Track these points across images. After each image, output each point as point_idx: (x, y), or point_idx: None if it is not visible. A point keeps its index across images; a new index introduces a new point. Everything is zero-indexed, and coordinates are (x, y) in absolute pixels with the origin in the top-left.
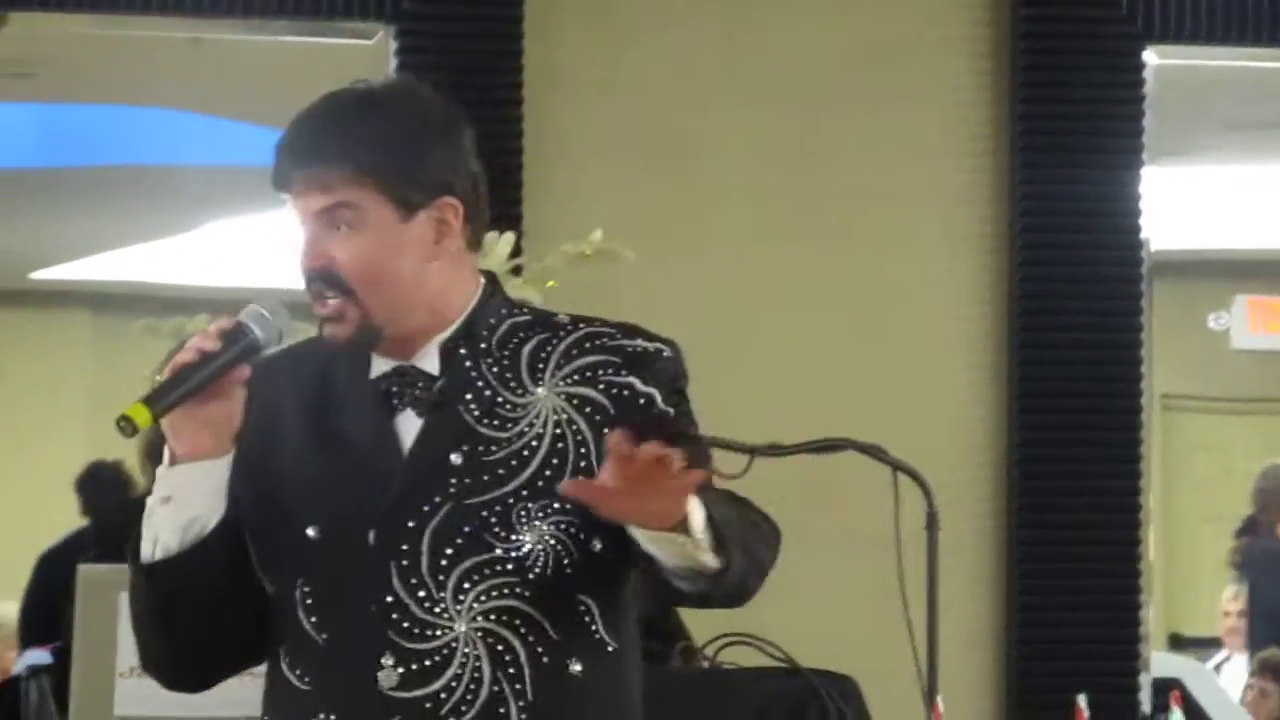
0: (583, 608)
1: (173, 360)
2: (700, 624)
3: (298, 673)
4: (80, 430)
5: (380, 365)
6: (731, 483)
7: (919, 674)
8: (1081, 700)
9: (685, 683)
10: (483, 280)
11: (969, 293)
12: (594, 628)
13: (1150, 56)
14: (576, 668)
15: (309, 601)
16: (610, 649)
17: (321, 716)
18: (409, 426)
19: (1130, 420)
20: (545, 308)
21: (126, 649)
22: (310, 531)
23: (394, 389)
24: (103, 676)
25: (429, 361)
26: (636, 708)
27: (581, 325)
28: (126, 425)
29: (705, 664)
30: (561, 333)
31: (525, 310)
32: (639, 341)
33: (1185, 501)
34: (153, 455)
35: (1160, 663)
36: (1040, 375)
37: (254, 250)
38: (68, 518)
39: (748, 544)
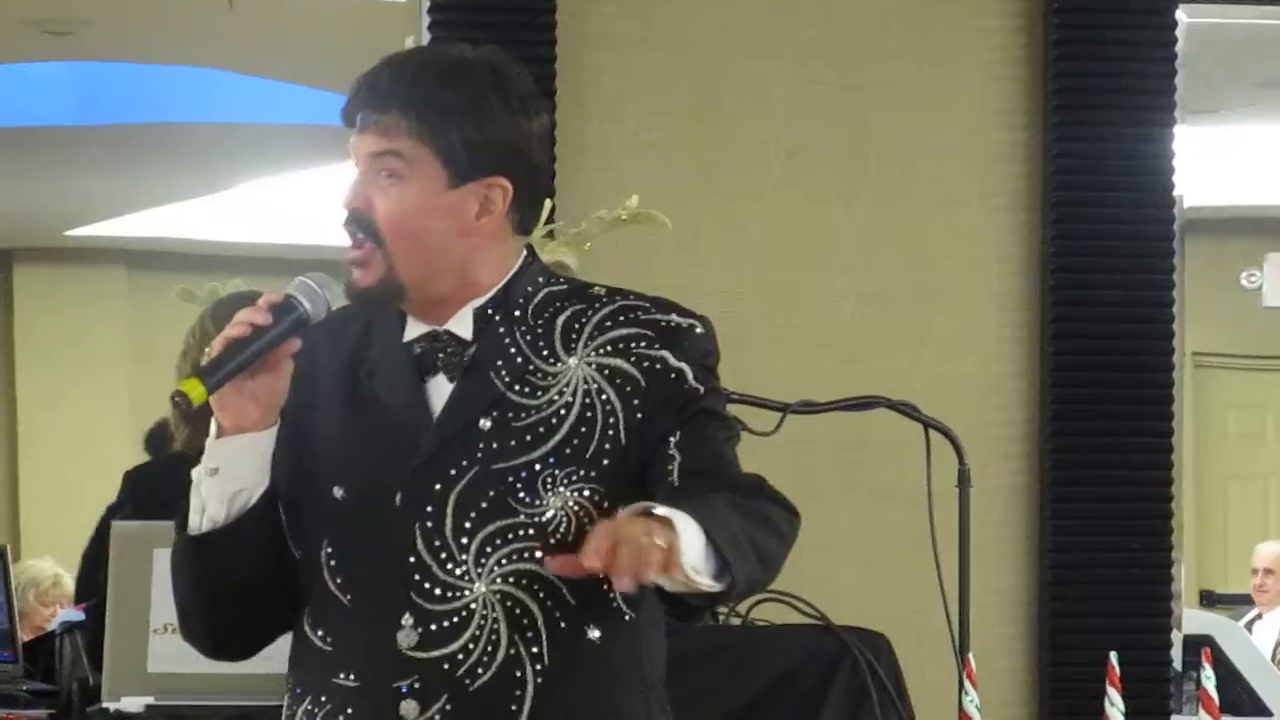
0: (601, 576)
1: (223, 334)
2: None
3: (320, 633)
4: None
5: (414, 329)
6: (765, 440)
7: (951, 631)
8: (1113, 658)
9: (718, 639)
10: (524, 252)
11: (1001, 250)
12: (611, 595)
13: (1182, 15)
14: (594, 634)
15: (333, 562)
16: (627, 618)
17: (342, 676)
18: (441, 391)
19: (1162, 378)
20: (582, 278)
21: (160, 606)
22: (337, 492)
23: (426, 353)
24: (136, 633)
25: (462, 326)
26: (656, 679)
27: (617, 298)
28: (182, 400)
29: (738, 621)
30: (596, 304)
31: (562, 280)
32: (673, 316)
33: (1217, 459)
34: (189, 416)
35: (1191, 620)
36: (1072, 333)
37: (289, 208)
38: (102, 475)
39: (757, 548)
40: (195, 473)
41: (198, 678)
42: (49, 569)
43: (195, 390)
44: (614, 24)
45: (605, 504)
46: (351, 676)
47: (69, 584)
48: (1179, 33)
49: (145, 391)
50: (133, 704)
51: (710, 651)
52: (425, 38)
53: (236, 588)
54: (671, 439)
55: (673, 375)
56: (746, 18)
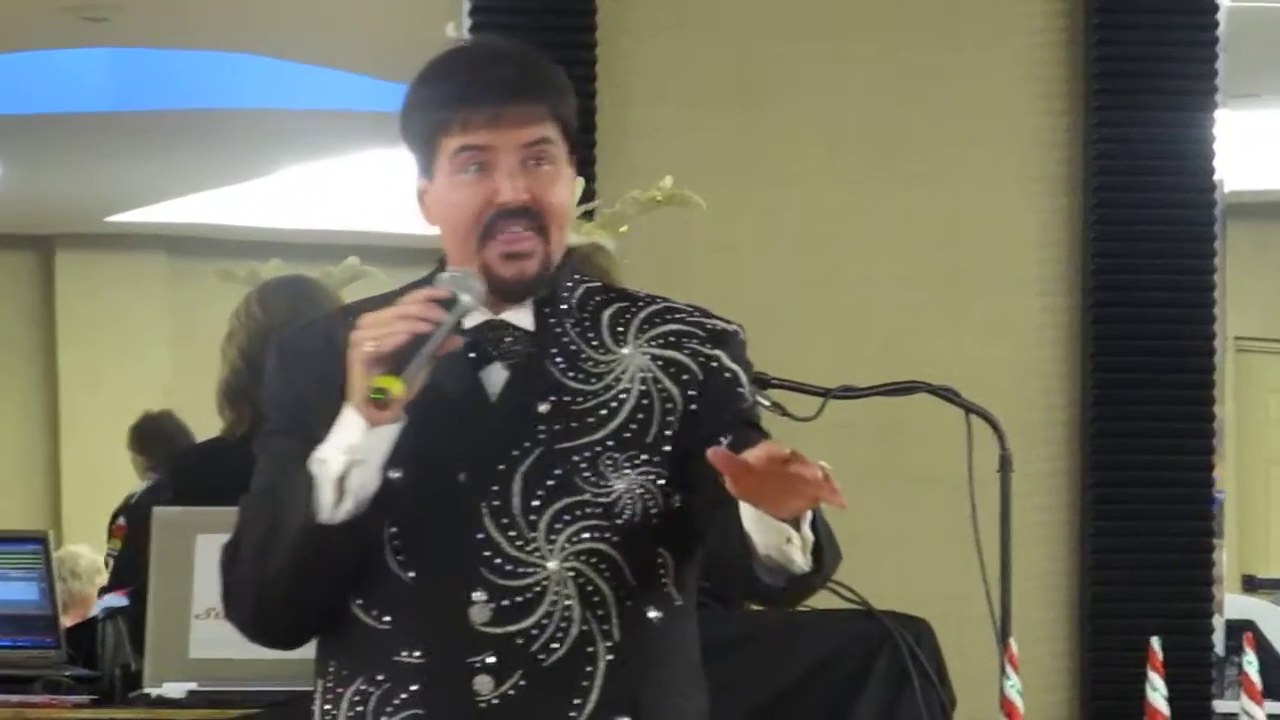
0: (659, 559)
1: (404, 327)
2: None
3: (374, 613)
4: (156, 371)
5: (472, 317)
6: (805, 425)
7: (992, 616)
8: (1155, 643)
9: (759, 625)
10: None
11: (1042, 235)
12: (664, 580)
13: None
14: (653, 614)
15: (396, 541)
16: (677, 603)
17: (404, 654)
18: (495, 379)
19: (1203, 362)
20: (621, 262)
21: (201, 591)
22: (393, 474)
23: (481, 341)
24: (178, 619)
25: (523, 317)
26: (699, 664)
27: (658, 299)
28: (384, 397)
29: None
30: (640, 302)
31: (592, 279)
32: (715, 320)
33: (1258, 443)
34: (231, 398)
35: (1233, 604)
36: (1114, 318)
37: (328, 193)
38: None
39: (835, 546)
40: (322, 463)
41: (239, 663)
42: (89, 554)
43: (395, 386)
44: (653, 9)
45: (667, 488)
46: (417, 654)
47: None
48: (1220, 16)
49: (185, 375)
50: (174, 689)
51: (751, 636)
52: (466, 23)
53: (333, 577)
54: (723, 441)
55: (727, 375)
56: (784, 2)
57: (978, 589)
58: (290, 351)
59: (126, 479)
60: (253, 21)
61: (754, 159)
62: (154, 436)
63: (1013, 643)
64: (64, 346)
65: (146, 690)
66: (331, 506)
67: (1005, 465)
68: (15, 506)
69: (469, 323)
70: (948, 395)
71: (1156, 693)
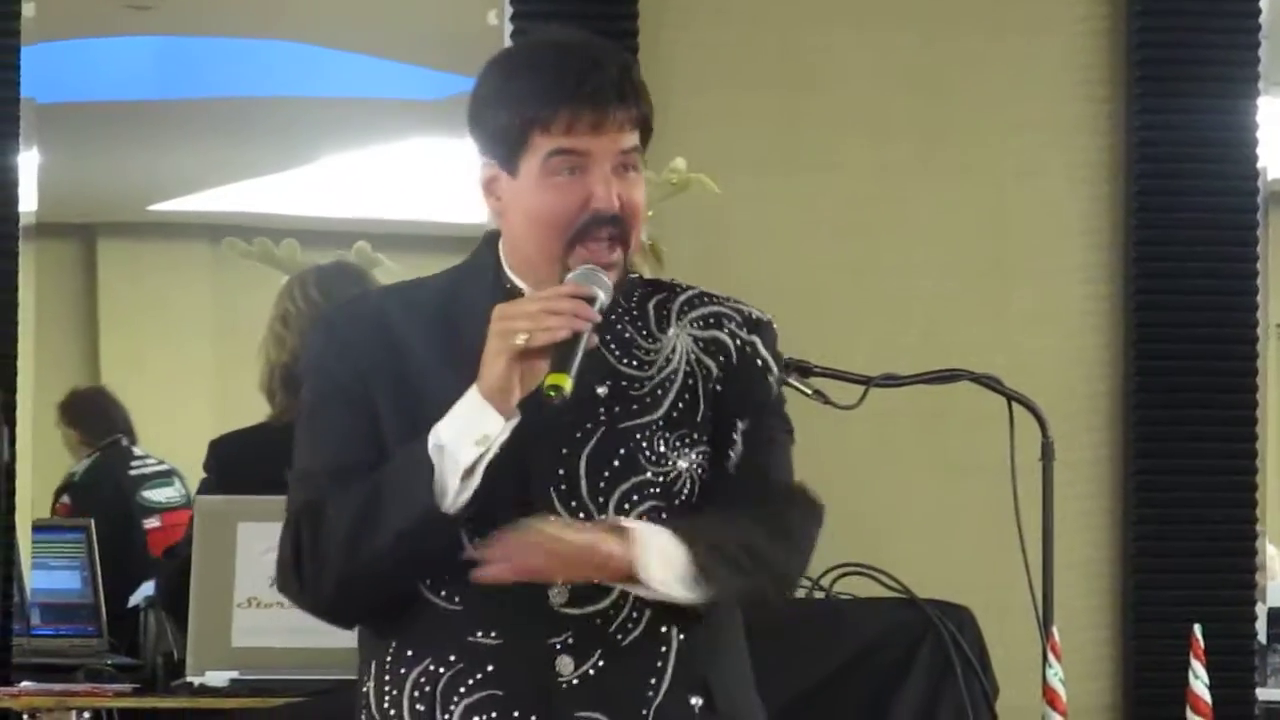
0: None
1: (565, 324)
2: (816, 555)
3: (444, 594)
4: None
5: None
6: (848, 414)
7: (1034, 604)
8: (1197, 630)
9: (802, 612)
10: None
11: (1084, 223)
12: None
13: None
14: None
15: (470, 524)
16: None
17: (479, 634)
18: None
19: (1246, 350)
20: (661, 249)
21: (244, 580)
22: None
23: None
24: (220, 608)
25: None
26: (744, 643)
27: (694, 287)
28: (558, 394)
29: (821, 594)
30: (677, 289)
31: (631, 271)
32: (750, 309)
33: None
34: (288, 383)
35: (1276, 592)
36: (1156, 305)
37: (372, 182)
38: (189, 452)
39: (758, 557)
40: (447, 452)
41: (281, 652)
42: None
43: (565, 382)
44: None
45: (714, 465)
46: (493, 634)
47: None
48: (1262, 3)
49: (229, 366)
50: (217, 678)
51: (794, 624)
52: (507, 11)
53: (437, 563)
54: (740, 424)
55: (759, 362)
56: None
57: (1020, 577)
58: (343, 329)
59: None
60: (296, 10)
61: (796, 147)
62: (86, 411)
63: (1055, 631)
64: (106, 334)
65: (189, 679)
66: (455, 494)
67: (1047, 453)
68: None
69: None
70: (990, 383)
71: (1199, 680)
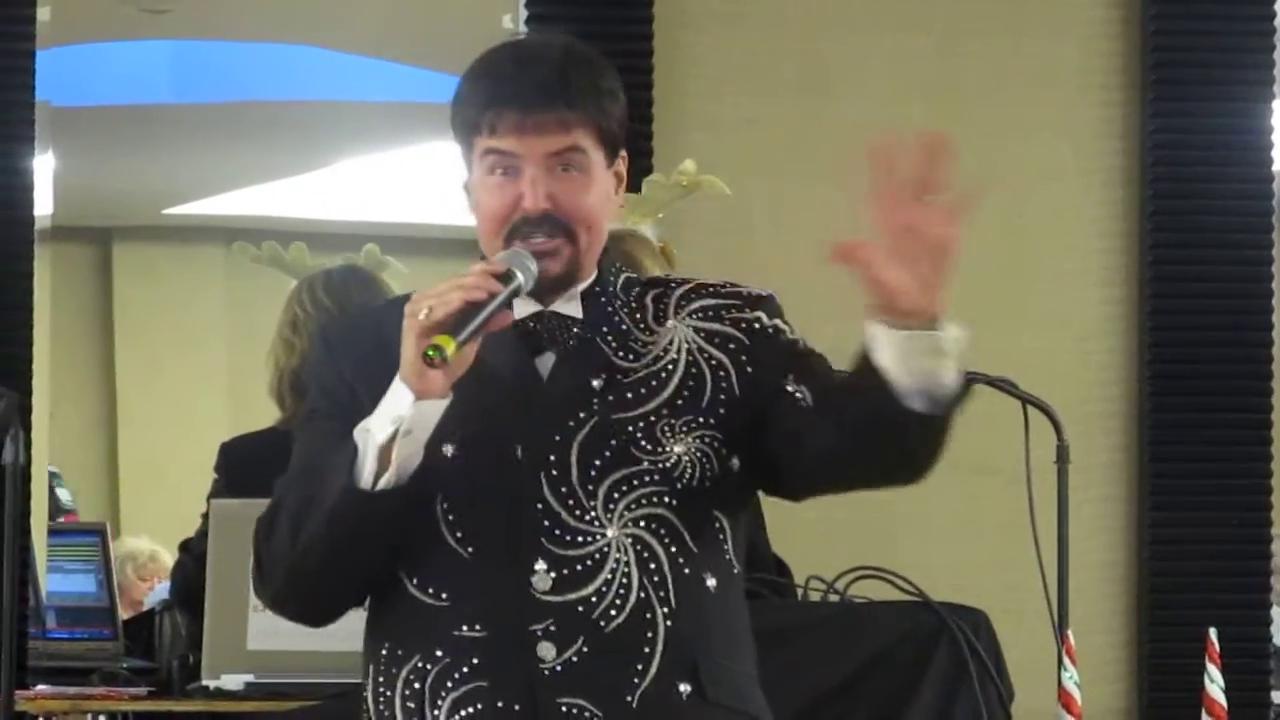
0: (717, 524)
1: (461, 295)
2: (830, 557)
3: (430, 590)
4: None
5: (522, 308)
6: None
7: (1049, 607)
8: (1213, 633)
9: (816, 615)
10: None
11: (1099, 226)
12: (725, 546)
13: None
14: (711, 582)
15: (451, 516)
16: (735, 570)
17: (464, 629)
18: (548, 362)
19: (1261, 353)
20: (677, 253)
21: None
22: (447, 449)
23: (534, 331)
24: (236, 611)
25: (572, 307)
26: (749, 630)
27: (691, 279)
28: (436, 355)
29: (836, 597)
30: (673, 284)
31: (628, 269)
32: (748, 288)
33: None
34: (298, 388)
35: None
36: (1171, 308)
37: (387, 186)
38: (204, 454)
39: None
40: (366, 432)
41: (297, 655)
42: (146, 545)
43: (450, 345)
44: (710, 1)
45: (724, 451)
46: (478, 627)
47: (166, 559)
48: (1278, 7)
49: (243, 369)
50: (232, 681)
51: (808, 627)
52: (522, 14)
53: (371, 549)
54: (788, 379)
55: (770, 330)
56: None
57: (1035, 580)
58: (338, 339)
59: (185, 471)
60: (310, 14)
61: (812, 151)
62: None
63: (1070, 634)
64: (121, 338)
65: (204, 682)
66: (373, 475)
67: (1062, 456)
68: (74, 498)
69: (519, 313)
70: (1005, 386)
71: (1214, 683)
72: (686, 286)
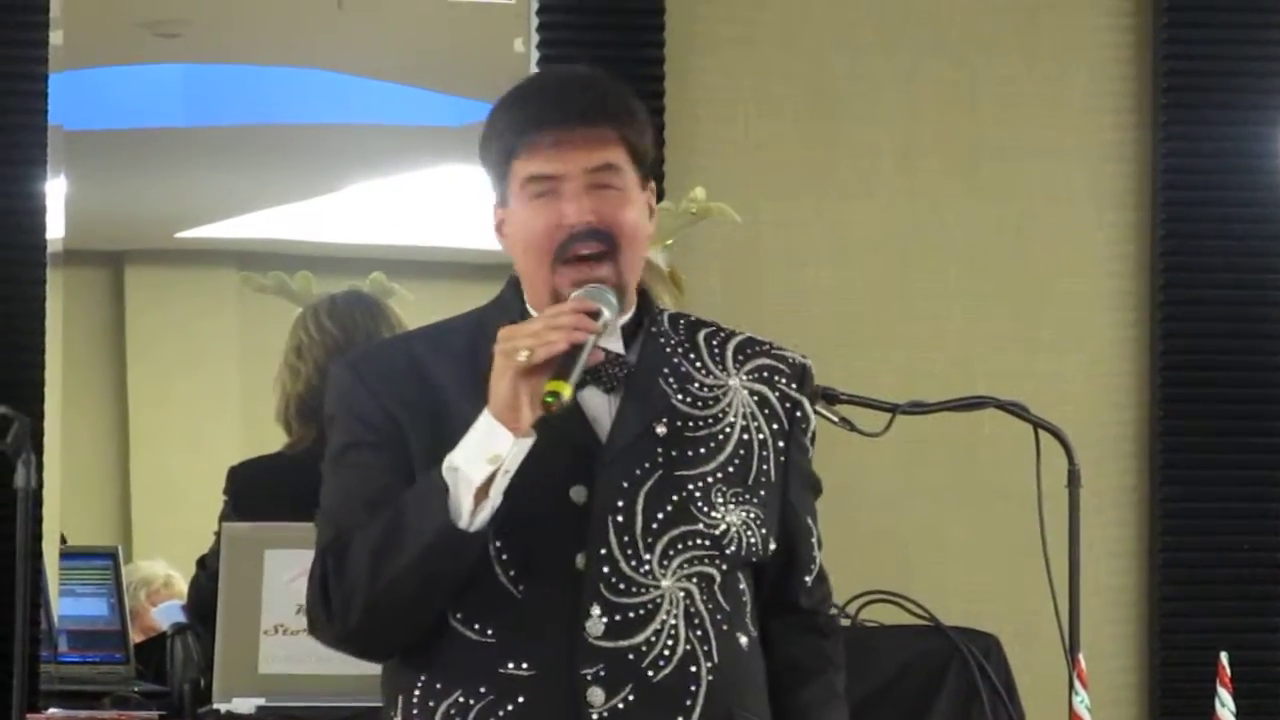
0: (742, 589)
1: (564, 336)
2: (842, 581)
3: (477, 626)
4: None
5: None
6: (875, 441)
7: (1060, 631)
8: (1224, 658)
9: None
10: None
11: (1111, 249)
12: (748, 609)
13: None
14: (744, 640)
15: (505, 556)
16: (754, 633)
17: (510, 666)
18: (594, 401)
19: (1274, 377)
20: (687, 276)
21: (271, 607)
22: None
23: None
24: (247, 634)
25: (614, 342)
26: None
27: (738, 331)
28: (556, 400)
29: (847, 622)
30: (724, 331)
31: (670, 309)
32: (793, 355)
33: None
34: (304, 413)
35: None
36: (1183, 331)
37: (400, 209)
38: (215, 479)
39: None
40: (461, 472)
41: (309, 679)
42: (160, 569)
43: (566, 389)
44: (722, 24)
45: (764, 531)
46: (525, 666)
47: (180, 584)
48: None
49: (256, 392)
50: (244, 705)
51: None
52: (534, 39)
53: (456, 586)
54: (812, 527)
55: (804, 425)
56: (855, 17)
57: (1046, 604)
58: (369, 371)
59: (197, 493)
60: (323, 37)
61: (824, 173)
62: None
63: (1081, 658)
64: (134, 361)
65: (216, 705)
66: (470, 513)
67: (1074, 480)
68: (85, 521)
69: None
70: (1016, 410)
71: (1225, 708)
72: (740, 339)
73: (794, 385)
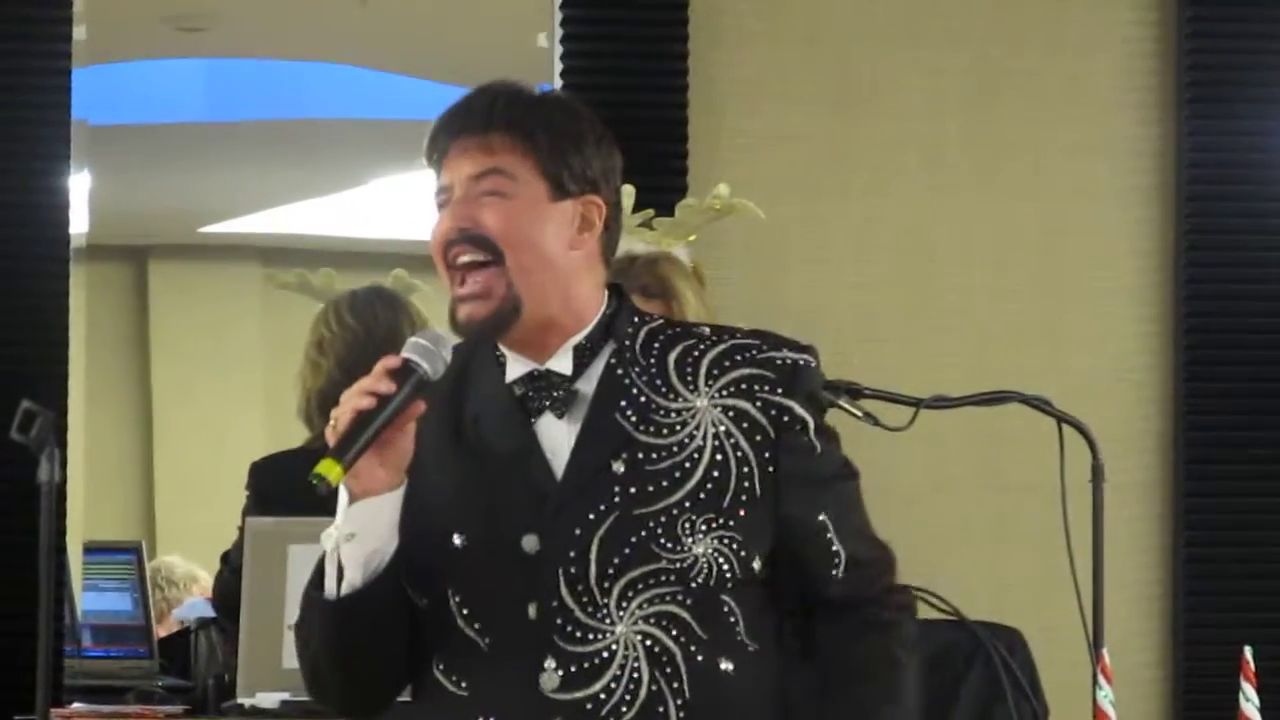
0: (726, 608)
1: (350, 406)
2: None
3: (454, 678)
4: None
5: (515, 369)
6: (898, 435)
7: (1084, 626)
8: (1248, 652)
9: None
10: (609, 293)
11: (1135, 244)
12: (737, 629)
13: None
14: (727, 666)
15: (465, 611)
16: (751, 649)
17: (479, 718)
18: (549, 431)
19: None
20: (708, 273)
21: (294, 602)
22: (457, 539)
23: (530, 393)
24: (271, 629)
25: (563, 364)
26: (781, 708)
27: (725, 337)
28: (321, 483)
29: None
30: (705, 343)
31: (658, 317)
32: (785, 354)
33: None
34: (326, 408)
35: None
36: (1207, 326)
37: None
38: (239, 474)
39: None
40: (326, 538)
41: None
42: (183, 564)
43: (333, 471)
44: (746, 18)
45: (743, 553)
46: (492, 719)
47: (205, 579)
48: None
49: (280, 387)
50: (268, 699)
51: None
52: (557, 34)
53: (373, 647)
54: (827, 522)
55: (797, 427)
56: (878, 11)
57: (1070, 599)
58: None
59: (221, 488)
60: (346, 32)
61: (848, 168)
62: None
63: (1105, 653)
64: (157, 357)
65: (239, 700)
66: (333, 582)
67: (1098, 475)
68: (109, 517)
69: (510, 375)
70: (1040, 405)
71: (1249, 702)
72: (719, 349)
73: (779, 391)
